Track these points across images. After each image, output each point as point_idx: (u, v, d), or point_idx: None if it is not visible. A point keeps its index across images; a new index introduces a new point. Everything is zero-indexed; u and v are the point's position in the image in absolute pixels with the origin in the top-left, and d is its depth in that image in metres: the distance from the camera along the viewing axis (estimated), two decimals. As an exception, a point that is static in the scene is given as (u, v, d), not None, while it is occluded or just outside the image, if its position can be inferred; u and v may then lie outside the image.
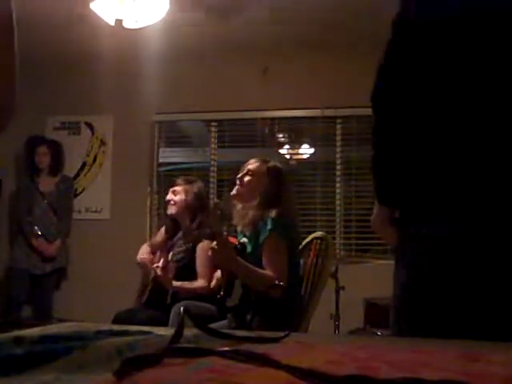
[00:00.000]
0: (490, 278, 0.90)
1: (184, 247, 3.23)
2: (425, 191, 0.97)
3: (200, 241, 3.29)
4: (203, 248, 3.25)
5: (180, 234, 3.46)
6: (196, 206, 3.40)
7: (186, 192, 3.43)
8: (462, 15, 0.93)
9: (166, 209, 3.55)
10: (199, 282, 3.24)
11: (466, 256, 0.92)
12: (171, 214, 3.46)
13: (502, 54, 0.92)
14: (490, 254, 0.90)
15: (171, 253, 3.21)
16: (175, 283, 3.19)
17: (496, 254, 0.90)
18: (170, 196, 3.48)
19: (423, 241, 0.96)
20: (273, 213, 2.62)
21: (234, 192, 2.77)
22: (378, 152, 1.04)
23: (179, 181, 3.53)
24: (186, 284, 3.23)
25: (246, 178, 2.76)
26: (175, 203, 3.43)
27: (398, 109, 1.00)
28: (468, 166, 0.93)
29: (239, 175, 2.79)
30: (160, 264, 3.15)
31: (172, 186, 3.56)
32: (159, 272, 3.14)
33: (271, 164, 2.81)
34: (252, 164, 2.80)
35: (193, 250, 3.26)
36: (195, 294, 3.16)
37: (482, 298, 0.91)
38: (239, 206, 2.75)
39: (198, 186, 3.52)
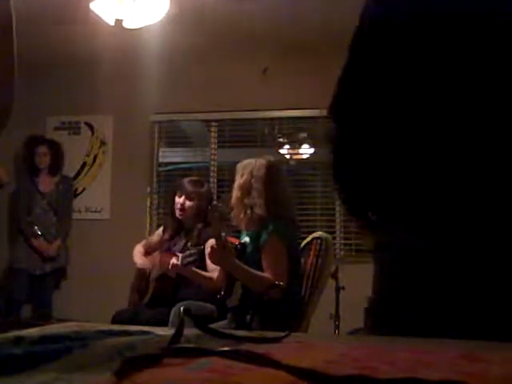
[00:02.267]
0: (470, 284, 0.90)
1: (195, 250, 3.17)
2: (394, 201, 0.96)
3: (207, 239, 3.25)
4: (211, 245, 3.23)
5: (181, 235, 3.45)
6: (205, 211, 3.38)
7: (200, 198, 3.38)
8: (427, 15, 0.92)
9: (173, 211, 3.43)
10: (212, 274, 3.18)
11: (438, 266, 0.91)
12: (181, 219, 3.43)
13: (475, 54, 0.91)
14: (468, 262, 0.90)
15: (180, 256, 3.17)
16: (193, 269, 3.12)
17: (473, 260, 0.90)
18: (182, 200, 3.37)
19: (392, 251, 0.96)
20: (274, 213, 2.63)
21: (233, 201, 2.77)
22: (341, 161, 1.02)
23: (188, 185, 3.41)
24: (204, 272, 3.19)
25: (236, 183, 2.76)
26: (187, 209, 3.38)
27: (362, 116, 0.98)
28: (440, 174, 0.92)
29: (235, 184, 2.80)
30: (174, 261, 3.10)
31: (181, 188, 3.44)
32: (175, 261, 3.07)
33: (258, 161, 2.79)
34: (239, 167, 2.80)
35: (202, 252, 3.24)
36: (207, 284, 3.13)
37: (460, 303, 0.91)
38: (239, 207, 2.75)
39: (208, 189, 3.50)
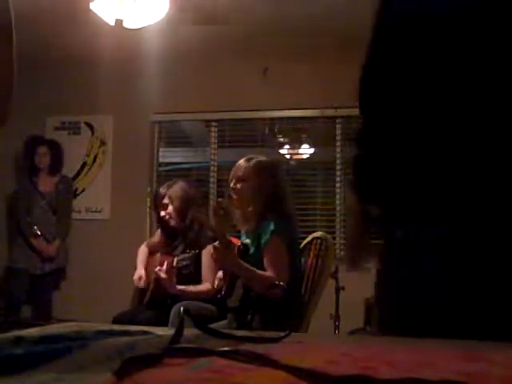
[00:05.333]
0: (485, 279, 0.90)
1: (189, 254, 3.21)
2: (416, 194, 0.96)
3: (204, 246, 3.26)
4: (208, 252, 3.24)
5: (179, 239, 3.46)
6: (186, 208, 3.40)
7: (172, 200, 3.42)
8: (446, 14, 0.93)
9: (166, 222, 3.49)
10: (204, 286, 3.22)
11: (459, 257, 0.91)
12: (172, 226, 3.45)
13: (492, 53, 0.92)
14: (486, 254, 0.90)
15: (175, 259, 3.19)
16: (179, 287, 3.17)
17: (491, 253, 0.90)
18: (163, 212, 3.45)
19: (413, 242, 0.96)
20: (274, 213, 2.62)
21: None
22: (367, 152, 1.03)
23: (162, 190, 3.50)
24: (191, 288, 3.21)
25: (238, 186, 2.73)
26: (170, 216, 3.42)
27: (387, 108, 0.99)
28: (461, 168, 0.93)
29: (231, 185, 2.76)
30: (163, 268, 3.14)
31: (157, 200, 3.53)
32: (163, 275, 3.13)
33: (256, 161, 2.77)
34: (240, 169, 2.77)
35: (198, 257, 3.25)
36: (199, 298, 3.15)
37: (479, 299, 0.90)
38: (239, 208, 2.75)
39: (179, 187, 3.49)
